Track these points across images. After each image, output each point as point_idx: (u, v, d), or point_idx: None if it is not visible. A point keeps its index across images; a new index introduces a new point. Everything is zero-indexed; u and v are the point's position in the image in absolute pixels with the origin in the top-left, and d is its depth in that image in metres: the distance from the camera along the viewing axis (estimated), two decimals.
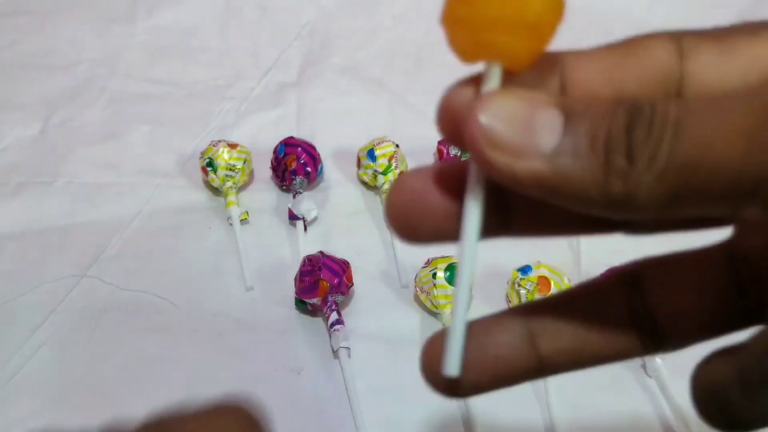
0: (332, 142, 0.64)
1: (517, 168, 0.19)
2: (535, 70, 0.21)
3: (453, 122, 0.21)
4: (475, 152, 0.19)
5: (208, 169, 0.58)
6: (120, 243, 0.56)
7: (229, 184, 0.58)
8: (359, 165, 0.60)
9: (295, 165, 0.58)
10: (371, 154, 0.59)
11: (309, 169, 0.59)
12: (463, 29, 0.20)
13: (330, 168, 0.62)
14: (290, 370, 0.49)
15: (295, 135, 0.61)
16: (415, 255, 0.53)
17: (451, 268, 0.50)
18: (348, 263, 0.52)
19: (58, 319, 0.51)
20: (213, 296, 0.53)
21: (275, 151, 0.60)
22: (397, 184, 0.22)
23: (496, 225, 0.22)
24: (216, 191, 0.60)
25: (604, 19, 0.78)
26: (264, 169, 0.61)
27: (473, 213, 0.21)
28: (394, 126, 0.66)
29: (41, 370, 0.48)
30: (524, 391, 0.48)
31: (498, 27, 0.20)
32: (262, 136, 0.64)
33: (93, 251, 0.55)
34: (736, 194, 0.17)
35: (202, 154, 0.59)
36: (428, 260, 0.52)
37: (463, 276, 0.21)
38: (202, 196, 0.60)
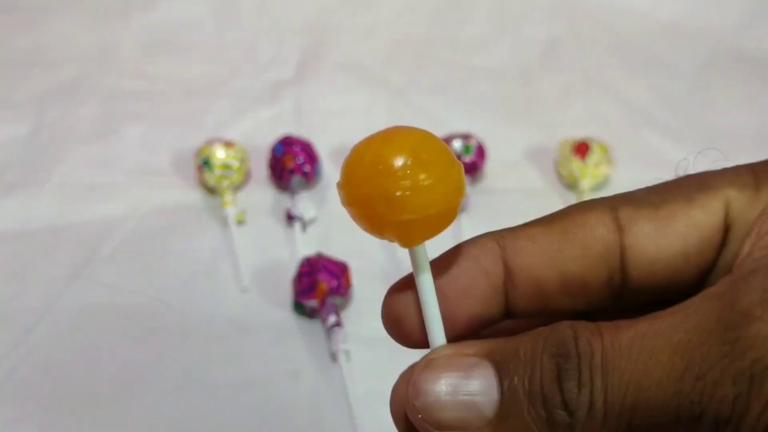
0: (331, 141, 0.63)
1: None
2: (480, 260, 0.22)
3: (397, 324, 0.22)
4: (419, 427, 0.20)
5: (204, 168, 0.58)
6: (114, 243, 0.56)
7: (225, 183, 0.58)
8: None
9: (292, 164, 0.58)
10: None
11: (307, 168, 0.58)
12: (364, 219, 0.21)
13: (328, 167, 0.62)
14: (288, 373, 0.49)
15: (293, 133, 0.61)
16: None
17: None
18: (347, 265, 0.51)
19: (52, 321, 0.51)
20: (209, 298, 0.53)
21: (272, 150, 0.59)
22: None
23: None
24: (212, 191, 0.59)
25: (607, 15, 0.78)
26: (261, 169, 0.61)
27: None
28: (394, 123, 0.65)
29: (34, 372, 0.48)
30: None
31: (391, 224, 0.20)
32: (259, 135, 0.63)
33: (86, 252, 0.55)
34: (681, 426, 0.18)
35: (198, 152, 0.59)
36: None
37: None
38: (197, 195, 0.60)
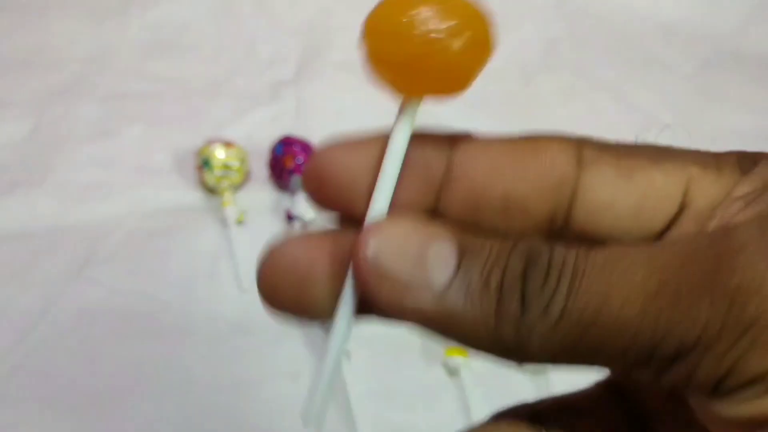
0: None
1: (404, 303, 0.18)
2: (425, 147, 0.20)
3: (319, 182, 0.21)
4: (361, 281, 0.18)
5: (204, 168, 0.58)
6: (113, 244, 0.56)
7: (225, 183, 0.58)
8: None
9: (292, 164, 0.58)
10: None
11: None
12: (386, 65, 0.20)
13: None
14: (287, 374, 0.49)
15: (293, 133, 0.61)
16: None
17: None
18: None
19: (51, 322, 0.51)
20: (208, 299, 0.53)
21: (272, 150, 0.59)
22: (276, 249, 0.21)
23: None
24: (211, 191, 0.59)
25: (607, 15, 0.78)
26: (261, 169, 0.61)
27: (346, 306, 0.20)
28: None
29: (33, 373, 0.48)
30: (526, 393, 0.48)
31: (419, 62, 0.20)
32: (259, 135, 0.63)
33: (86, 252, 0.55)
34: (631, 355, 0.17)
35: (198, 153, 0.59)
36: None
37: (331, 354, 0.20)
38: (197, 196, 0.60)
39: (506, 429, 0.21)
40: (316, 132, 0.64)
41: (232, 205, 0.57)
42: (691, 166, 0.20)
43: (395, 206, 0.20)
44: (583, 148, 0.20)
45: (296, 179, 0.58)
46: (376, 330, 0.52)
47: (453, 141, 0.21)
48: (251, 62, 0.73)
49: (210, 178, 0.58)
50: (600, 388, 0.23)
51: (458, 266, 0.18)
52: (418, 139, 0.21)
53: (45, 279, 0.53)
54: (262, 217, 0.58)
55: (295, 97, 0.69)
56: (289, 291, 0.20)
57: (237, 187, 0.59)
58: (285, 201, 0.58)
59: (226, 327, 0.51)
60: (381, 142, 0.21)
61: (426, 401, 0.48)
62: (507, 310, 0.17)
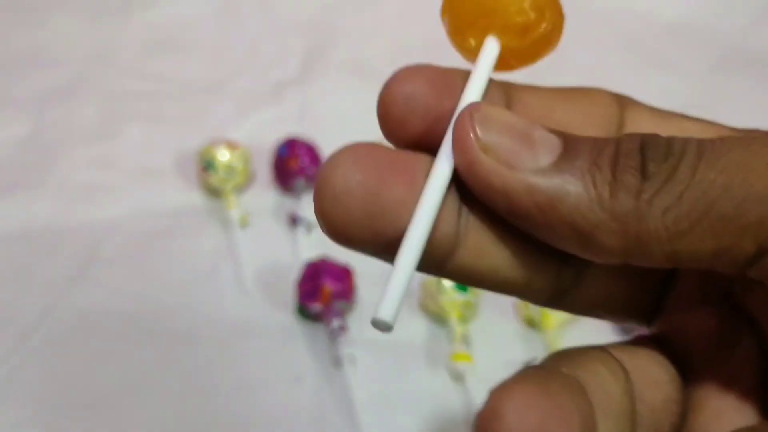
0: (336, 142, 0.62)
1: (510, 179, 0.17)
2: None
3: (402, 117, 0.19)
4: (463, 154, 0.17)
5: (207, 169, 0.58)
6: (114, 246, 0.56)
7: (228, 185, 0.58)
8: None
9: (296, 166, 0.58)
10: None
11: (311, 170, 0.58)
12: (464, 16, 0.22)
13: None
14: (291, 378, 0.49)
15: (297, 134, 0.60)
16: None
17: None
18: (351, 268, 0.51)
19: (52, 324, 0.51)
20: (210, 301, 0.53)
21: (276, 152, 0.59)
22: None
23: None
24: (214, 192, 0.59)
25: (614, 15, 0.77)
26: (264, 170, 0.60)
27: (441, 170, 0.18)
28: None
29: (34, 375, 0.48)
30: None
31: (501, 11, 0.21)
32: (263, 136, 0.63)
33: (87, 254, 0.55)
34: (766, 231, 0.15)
35: (201, 154, 0.59)
36: None
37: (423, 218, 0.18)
38: (200, 197, 0.59)
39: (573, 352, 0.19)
40: (321, 133, 0.63)
41: (236, 207, 0.57)
42: (719, 128, 0.20)
43: None
44: (620, 97, 0.21)
45: (301, 182, 0.58)
46: (381, 335, 0.53)
47: (506, 87, 0.21)
48: (254, 62, 0.72)
49: (213, 180, 0.58)
50: (640, 340, 0.22)
51: (564, 150, 0.17)
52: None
53: (45, 281, 0.53)
54: (266, 219, 0.58)
55: (299, 97, 0.69)
56: (360, 218, 0.19)
57: (240, 189, 0.59)
58: (289, 203, 0.58)
59: (228, 330, 0.51)
60: (460, 75, 0.20)
61: (431, 406, 0.48)
62: (624, 181, 0.16)
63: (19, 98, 0.67)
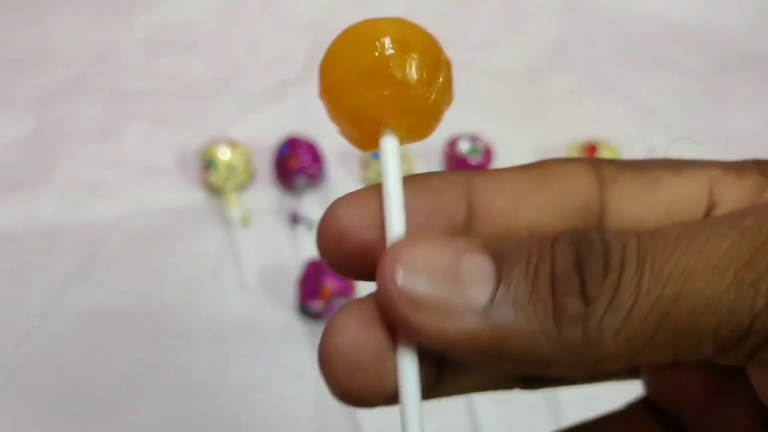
0: (336, 142, 0.62)
1: (448, 329, 0.16)
2: (442, 194, 0.19)
3: (340, 246, 0.18)
4: (395, 316, 0.16)
5: (209, 168, 0.58)
6: (117, 244, 0.56)
7: (229, 184, 0.58)
8: (365, 165, 0.60)
9: (297, 165, 0.58)
10: (377, 154, 0.58)
11: (312, 169, 0.58)
12: (345, 101, 0.19)
13: (334, 168, 0.62)
14: (292, 376, 0.49)
15: (298, 134, 0.60)
16: None
17: None
18: None
19: (54, 323, 0.51)
20: (211, 300, 0.53)
21: (277, 151, 0.59)
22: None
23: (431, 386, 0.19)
24: (216, 191, 0.59)
25: (616, 15, 0.77)
26: (265, 169, 0.60)
27: (409, 376, 0.17)
28: None
29: (36, 374, 0.48)
30: (531, 395, 0.48)
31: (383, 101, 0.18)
32: (264, 135, 0.63)
33: (89, 253, 0.55)
34: (723, 334, 0.15)
35: (202, 153, 0.59)
36: None
37: None
38: (201, 196, 0.59)
39: None
40: (322, 132, 0.63)
41: (237, 205, 0.57)
42: (711, 169, 0.19)
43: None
44: (600, 167, 0.19)
45: (302, 180, 0.58)
46: None
47: (469, 180, 0.19)
48: (256, 61, 0.72)
49: (215, 179, 0.58)
50: (633, 408, 0.21)
51: (498, 275, 0.16)
52: (433, 185, 0.19)
53: (47, 280, 0.53)
54: (267, 218, 0.58)
55: (300, 96, 0.69)
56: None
57: (242, 188, 0.59)
58: (290, 202, 0.58)
59: (229, 328, 0.51)
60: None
61: (431, 404, 0.48)
62: (567, 309, 0.15)
63: (22, 97, 0.67)
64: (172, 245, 0.56)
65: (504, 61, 0.73)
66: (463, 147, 0.59)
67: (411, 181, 0.19)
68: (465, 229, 0.19)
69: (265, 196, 0.60)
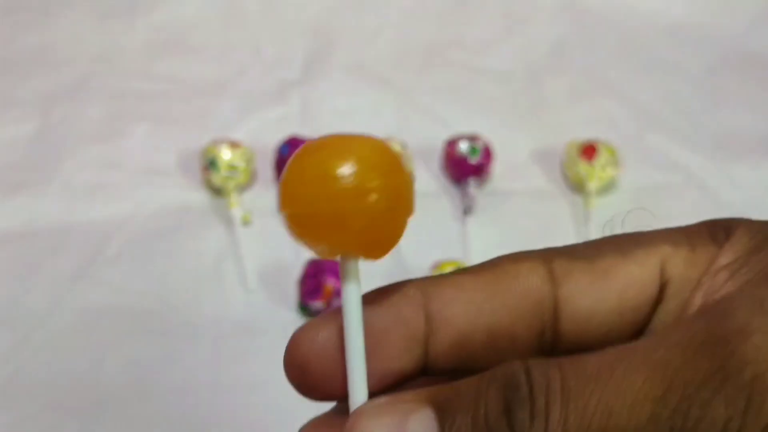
0: None
1: None
2: (401, 308, 0.20)
3: (305, 374, 0.20)
4: None
5: (210, 168, 0.58)
6: (119, 244, 0.56)
7: (231, 184, 0.58)
8: None
9: None
10: None
11: None
12: (307, 230, 0.19)
13: None
14: None
15: (299, 134, 0.60)
16: (421, 258, 0.53)
17: None
18: None
19: (56, 322, 0.51)
20: (213, 299, 0.53)
21: (278, 151, 0.59)
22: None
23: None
24: (217, 191, 0.59)
25: (614, 16, 0.77)
26: (266, 169, 0.61)
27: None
28: (401, 125, 0.66)
29: (39, 373, 0.48)
30: None
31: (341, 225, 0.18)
32: (265, 135, 0.63)
33: (91, 252, 0.55)
34: None
35: (204, 153, 0.59)
36: (435, 263, 0.52)
37: None
38: (202, 196, 0.60)
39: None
40: (322, 132, 0.63)
41: (238, 205, 0.57)
42: (662, 246, 0.20)
43: (385, 375, 0.20)
44: (551, 261, 0.20)
45: None
46: None
47: (425, 289, 0.20)
48: (257, 62, 0.72)
49: (216, 179, 0.58)
50: None
51: (441, 428, 0.17)
52: (391, 300, 0.20)
53: (50, 279, 0.53)
54: (268, 217, 0.58)
55: (300, 97, 0.69)
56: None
57: (243, 188, 0.59)
58: None
59: (230, 327, 0.51)
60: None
61: None
62: None
63: (26, 98, 0.67)
64: (173, 245, 0.56)
65: (503, 62, 0.73)
66: (463, 147, 0.59)
67: (370, 297, 0.20)
68: (425, 339, 0.20)
69: (266, 196, 0.60)
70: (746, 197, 0.60)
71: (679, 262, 0.20)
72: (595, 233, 0.57)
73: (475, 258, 0.54)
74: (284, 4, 0.78)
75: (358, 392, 0.19)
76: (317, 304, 0.50)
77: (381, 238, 0.19)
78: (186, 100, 0.68)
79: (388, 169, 0.19)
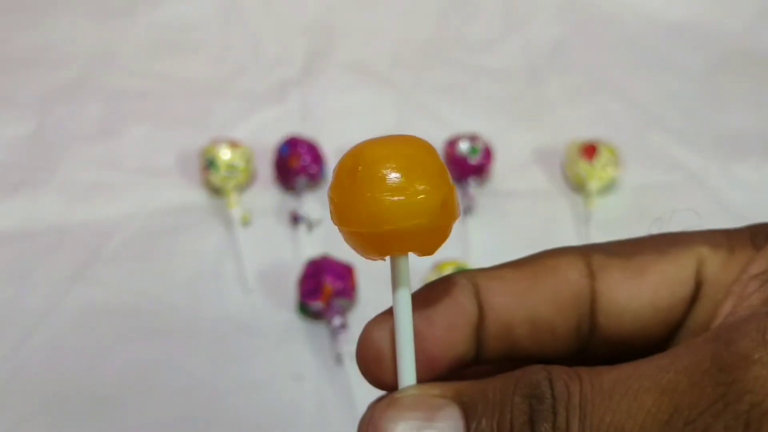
0: (337, 141, 0.63)
1: None
2: (457, 297, 0.21)
3: (380, 366, 0.21)
4: None
5: (209, 168, 0.58)
6: (118, 244, 0.56)
7: (230, 184, 0.58)
8: None
9: (298, 165, 0.58)
10: None
11: (313, 169, 0.58)
12: (360, 228, 0.20)
13: (334, 168, 0.61)
14: (292, 375, 0.49)
15: (299, 133, 0.60)
16: (421, 259, 0.52)
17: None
18: (352, 267, 0.51)
19: (55, 322, 0.51)
20: (213, 299, 0.53)
21: (278, 151, 0.59)
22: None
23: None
24: (217, 191, 0.59)
25: (615, 16, 0.77)
26: (266, 169, 0.61)
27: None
28: (401, 124, 0.66)
29: (38, 373, 0.48)
30: None
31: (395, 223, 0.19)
32: (265, 135, 0.63)
33: (90, 252, 0.55)
34: None
35: (203, 153, 0.59)
36: (435, 263, 0.52)
37: None
38: (202, 196, 0.60)
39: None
40: (322, 132, 0.64)
41: (238, 205, 0.57)
42: (700, 247, 0.21)
43: (446, 364, 0.21)
44: (590, 257, 0.21)
45: (302, 180, 0.58)
46: None
47: (472, 277, 0.22)
48: (257, 62, 0.73)
49: (215, 179, 0.58)
50: None
51: (467, 427, 0.18)
52: (446, 289, 0.22)
53: (49, 279, 0.53)
54: (268, 217, 0.58)
55: (300, 97, 0.69)
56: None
57: (242, 188, 0.59)
58: (290, 202, 0.58)
59: (230, 327, 0.51)
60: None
61: None
62: None
63: (24, 98, 0.67)
64: (173, 245, 0.56)
65: (504, 61, 0.73)
66: (463, 147, 0.59)
67: (425, 289, 0.22)
68: (479, 324, 0.21)
69: (265, 195, 0.60)
70: (747, 197, 0.60)
71: (716, 264, 0.21)
72: (595, 233, 0.57)
73: (476, 258, 0.54)
74: (284, 3, 0.78)
75: (407, 379, 0.20)
76: (317, 304, 0.50)
77: (432, 239, 0.20)
78: (185, 100, 0.68)
79: (436, 173, 0.20)
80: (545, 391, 0.18)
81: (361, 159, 0.20)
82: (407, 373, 0.20)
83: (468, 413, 0.18)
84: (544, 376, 0.18)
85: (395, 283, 0.20)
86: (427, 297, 0.21)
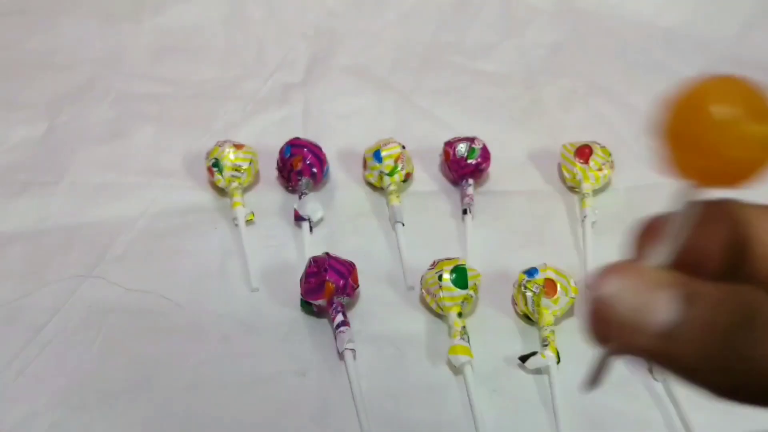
0: (338, 143, 0.64)
1: (631, 344, 0.20)
2: (715, 222, 0.22)
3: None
4: (593, 320, 0.20)
5: (214, 169, 0.58)
6: (125, 243, 0.56)
7: (234, 184, 0.58)
8: (365, 166, 0.60)
9: (300, 166, 0.58)
10: (377, 155, 0.59)
11: (315, 170, 0.59)
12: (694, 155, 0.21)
13: (336, 169, 0.62)
14: (295, 372, 0.49)
15: (301, 135, 0.61)
16: (421, 257, 0.53)
17: (456, 270, 0.50)
18: (354, 265, 0.51)
19: (63, 320, 0.51)
20: (218, 297, 0.53)
21: (281, 152, 0.59)
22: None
23: None
24: (221, 192, 0.59)
25: (610, 21, 0.78)
26: (270, 170, 0.61)
27: None
28: (401, 127, 0.66)
29: (46, 370, 0.48)
30: (529, 391, 0.49)
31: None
32: (268, 137, 0.63)
33: (98, 251, 0.55)
34: None
35: (208, 154, 0.59)
36: (434, 262, 0.52)
37: None
38: (207, 196, 0.60)
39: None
40: (325, 134, 0.64)
41: (242, 205, 0.57)
42: None
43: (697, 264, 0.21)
44: None
45: (305, 181, 0.58)
46: (382, 329, 0.53)
47: (740, 211, 0.23)
48: (260, 65, 0.73)
49: (220, 179, 0.58)
50: None
51: (684, 310, 0.19)
52: (721, 208, 0.22)
53: (57, 277, 0.53)
54: (271, 217, 0.58)
55: (303, 100, 0.69)
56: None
57: (246, 188, 0.60)
58: (293, 202, 0.58)
59: (235, 325, 0.51)
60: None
61: (431, 398, 0.48)
62: (734, 347, 0.19)
63: (34, 101, 0.67)
64: (179, 244, 0.56)
65: (501, 66, 0.73)
66: (461, 148, 0.59)
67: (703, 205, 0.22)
68: (740, 257, 0.22)
69: (269, 196, 0.60)
70: (739, 198, 0.60)
71: None
72: (590, 232, 0.57)
73: (474, 257, 0.54)
74: (287, 8, 0.78)
75: (659, 255, 0.21)
76: (319, 302, 0.50)
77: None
78: (191, 103, 0.68)
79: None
80: (765, 306, 0.19)
81: (708, 96, 0.20)
82: (662, 250, 0.21)
83: (688, 298, 0.19)
84: (765, 295, 0.19)
85: (687, 198, 0.21)
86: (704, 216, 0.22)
